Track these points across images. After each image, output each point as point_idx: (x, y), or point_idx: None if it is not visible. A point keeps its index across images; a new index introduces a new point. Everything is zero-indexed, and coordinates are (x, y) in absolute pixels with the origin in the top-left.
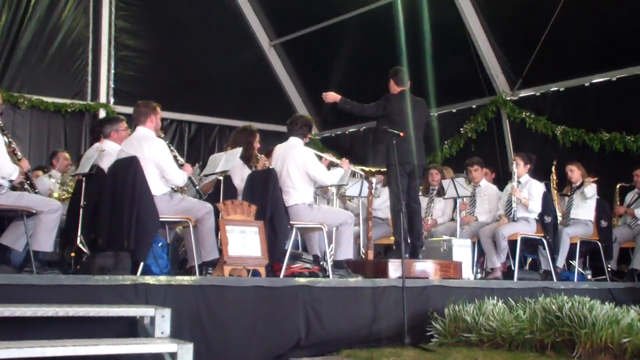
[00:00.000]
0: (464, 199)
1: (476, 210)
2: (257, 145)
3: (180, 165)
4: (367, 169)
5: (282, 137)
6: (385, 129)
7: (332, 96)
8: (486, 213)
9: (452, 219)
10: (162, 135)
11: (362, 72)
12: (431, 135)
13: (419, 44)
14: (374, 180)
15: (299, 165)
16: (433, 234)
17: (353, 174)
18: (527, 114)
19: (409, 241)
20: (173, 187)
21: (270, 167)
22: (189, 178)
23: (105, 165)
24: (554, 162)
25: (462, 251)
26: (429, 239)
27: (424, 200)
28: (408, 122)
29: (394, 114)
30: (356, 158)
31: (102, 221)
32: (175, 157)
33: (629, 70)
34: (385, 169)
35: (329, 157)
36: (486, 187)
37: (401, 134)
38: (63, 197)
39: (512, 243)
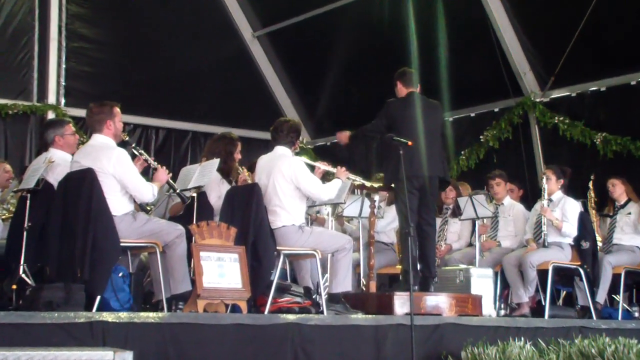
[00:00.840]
0: (484, 220)
1: (499, 233)
2: (237, 156)
3: (154, 170)
4: (368, 183)
5: (267, 147)
6: (391, 137)
7: (345, 136)
8: (511, 237)
9: (470, 244)
10: (126, 138)
11: (362, 68)
12: (444, 144)
13: (429, 35)
14: (377, 197)
15: (287, 179)
16: (448, 261)
17: (352, 190)
18: (561, 118)
19: (418, 270)
20: (145, 205)
21: (254, 181)
22: (168, 182)
23: (55, 179)
24: (592, 176)
25: (483, 283)
26: (442, 268)
27: (436, 222)
28: (417, 128)
29: (397, 121)
30: (356, 172)
31: (51, 246)
32: (146, 161)
33: None
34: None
35: (323, 165)
36: (511, 206)
37: (409, 143)
38: (2, 217)
39: (542, 273)
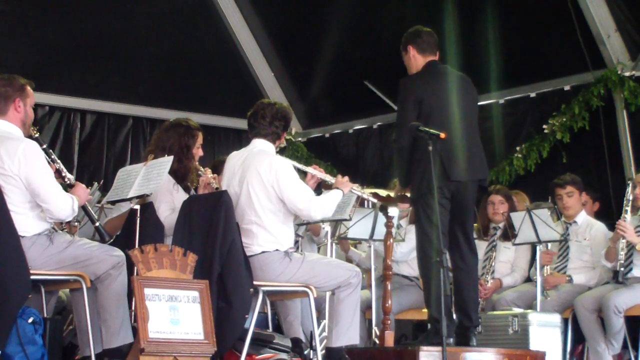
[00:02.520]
0: (549, 245)
1: (570, 264)
2: (198, 151)
3: (68, 186)
4: (383, 193)
5: (240, 139)
6: (416, 127)
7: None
8: (587, 270)
9: (529, 279)
10: (37, 135)
11: (372, 29)
12: (490, 137)
13: None
14: (395, 212)
15: (267, 184)
16: (496, 304)
17: (361, 202)
18: None
19: (454, 317)
20: (59, 222)
21: (220, 189)
22: (83, 207)
23: None
24: None
25: (546, 333)
26: (489, 312)
27: (480, 247)
28: (450, 112)
29: (423, 104)
30: (367, 176)
31: None
32: (58, 171)
33: None
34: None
35: (318, 171)
36: (587, 225)
37: (442, 135)
38: None
39: (632, 321)
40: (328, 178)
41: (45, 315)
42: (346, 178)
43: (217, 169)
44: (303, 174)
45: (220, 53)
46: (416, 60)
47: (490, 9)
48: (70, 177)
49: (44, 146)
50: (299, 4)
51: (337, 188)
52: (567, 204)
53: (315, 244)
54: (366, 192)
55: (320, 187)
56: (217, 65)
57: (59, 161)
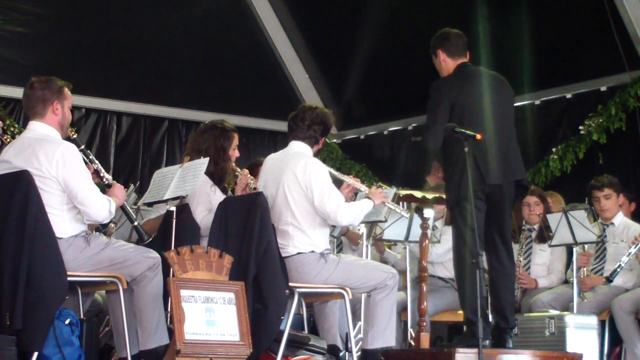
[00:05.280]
0: (586, 247)
1: (607, 266)
2: (234, 153)
3: (106, 186)
4: (418, 194)
5: (277, 141)
6: (452, 128)
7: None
8: (625, 272)
9: (566, 281)
10: (74, 135)
11: (407, 30)
12: (525, 139)
13: None
14: (430, 213)
15: (302, 185)
16: (532, 306)
17: (397, 203)
18: None
19: (490, 319)
20: (97, 224)
21: (257, 189)
22: (122, 207)
23: None
24: None
25: (583, 336)
26: (525, 314)
27: (515, 249)
28: (484, 116)
29: (455, 107)
30: (402, 177)
31: None
32: (96, 171)
33: None
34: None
35: (354, 181)
36: (625, 226)
37: (478, 136)
38: None
39: None
40: (363, 188)
41: (82, 316)
42: (379, 190)
43: (254, 170)
44: (339, 183)
45: (255, 55)
46: (447, 63)
47: (524, 9)
48: (108, 177)
49: (82, 146)
50: (333, 6)
51: (369, 198)
52: (605, 206)
53: (355, 251)
54: (397, 207)
55: (356, 195)
56: (252, 68)
57: (96, 161)
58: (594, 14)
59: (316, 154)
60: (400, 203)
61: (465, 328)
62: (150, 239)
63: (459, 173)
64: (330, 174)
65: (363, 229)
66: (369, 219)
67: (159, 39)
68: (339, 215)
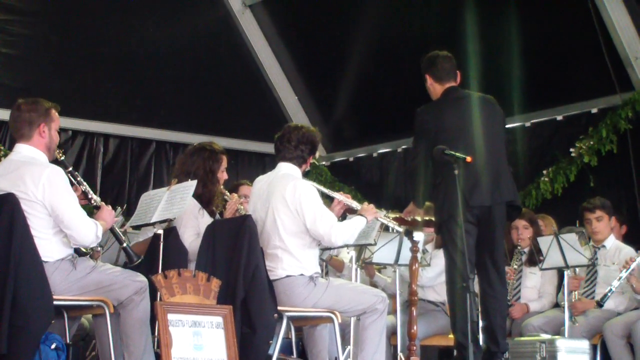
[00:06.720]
0: (577, 270)
1: (598, 289)
2: (222, 175)
3: (95, 208)
4: (408, 217)
5: (265, 163)
6: (441, 151)
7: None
8: (616, 295)
9: (557, 305)
10: (62, 157)
11: (397, 49)
12: (516, 161)
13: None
14: (420, 236)
15: (291, 208)
16: (523, 329)
17: (385, 227)
18: None
19: (481, 343)
20: (83, 248)
21: (246, 212)
22: (111, 229)
23: None
24: None
25: None
26: (515, 338)
27: (506, 273)
28: (472, 137)
29: (441, 132)
30: (391, 200)
31: None
32: (84, 193)
33: None
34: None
35: (344, 197)
36: (616, 249)
37: (468, 159)
38: None
39: None
40: (355, 205)
41: (68, 341)
42: (371, 206)
43: (236, 190)
44: (329, 200)
45: (243, 76)
46: (434, 88)
47: (515, 30)
48: (96, 199)
49: (70, 168)
50: (322, 28)
51: (362, 215)
52: (597, 229)
53: (341, 275)
54: (391, 221)
55: (346, 213)
56: (241, 89)
57: (84, 183)
58: (585, 36)
59: (305, 174)
60: (390, 227)
61: (456, 352)
62: (140, 260)
63: (443, 195)
64: (321, 191)
65: (352, 252)
66: (358, 242)
67: (146, 59)
68: (333, 236)
